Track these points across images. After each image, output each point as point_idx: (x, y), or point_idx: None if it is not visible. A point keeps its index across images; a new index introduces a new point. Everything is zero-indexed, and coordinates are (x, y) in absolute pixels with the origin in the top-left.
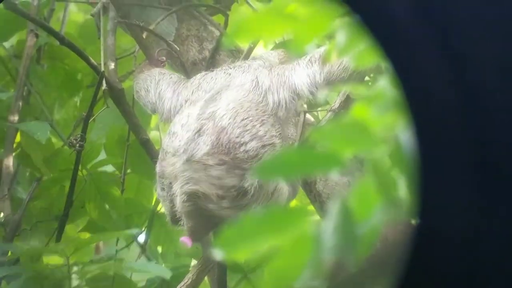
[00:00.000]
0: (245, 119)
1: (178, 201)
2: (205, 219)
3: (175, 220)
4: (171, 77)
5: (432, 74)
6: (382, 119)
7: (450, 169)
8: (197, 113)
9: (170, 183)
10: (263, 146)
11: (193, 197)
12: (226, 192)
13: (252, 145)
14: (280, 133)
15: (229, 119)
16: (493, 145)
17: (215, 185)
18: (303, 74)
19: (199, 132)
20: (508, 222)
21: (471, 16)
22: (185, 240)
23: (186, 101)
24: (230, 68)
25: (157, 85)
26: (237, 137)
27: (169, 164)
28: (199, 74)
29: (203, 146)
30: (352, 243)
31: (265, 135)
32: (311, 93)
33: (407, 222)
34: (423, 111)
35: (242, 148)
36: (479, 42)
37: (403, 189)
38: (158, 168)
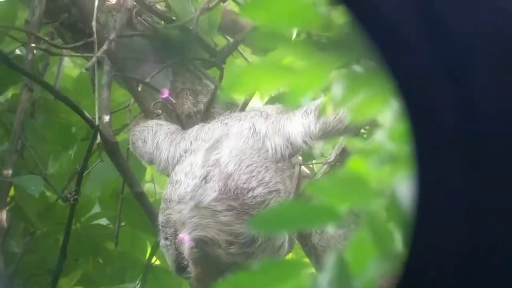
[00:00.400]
0: (250, 165)
1: (186, 247)
2: (212, 266)
3: (180, 269)
4: (169, 128)
5: (430, 77)
6: (379, 173)
7: (447, 171)
8: (201, 161)
9: (176, 231)
10: (270, 192)
11: (201, 243)
12: (235, 239)
13: (259, 191)
14: (283, 180)
15: (235, 165)
16: (492, 146)
17: (224, 231)
18: (297, 124)
19: (205, 178)
20: (508, 223)
21: (470, 18)
22: (184, 237)
23: (185, 152)
24: (227, 119)
25: (154, 136)
26: (244, 183)
27: (176, 211)
28: (196, 126)
29: (211, 192)
30: None
31: (270, 181)
32: (305, 143)
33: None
34: (420, 113)
35: (250, 194)
36: (478, 44)
37: (399, 242)
38: (161, 217)
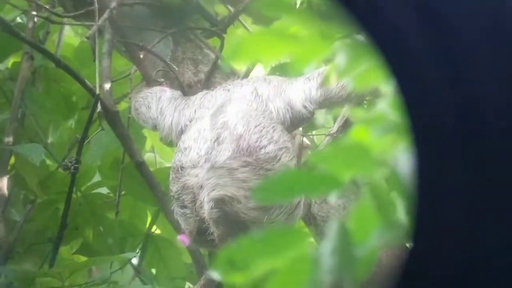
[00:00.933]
0: (258, 125)
1: (206, 209)
2: (233, 225)
3: (202, 233)
4: (173, 94)
5: (429, 75)
6: (382, 142)
7: (446, 171)
8: (209, 125)
9: (194, 195)
10: (280, 148)
11: (220, 203)
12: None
13: (271, 148)
14: (290, 139)
15: (243, 126)
16: (491, 145)
17: (242, 188)
18: (299, 88)
19: (217, 140)
20: (508, 224)
21: (470, 17)
22: (183, 239)
23: (190, 121)
24: (229, 85)
25: (158, 101)
26: (255, 142)
27: (192, 176)
28: (199, 93)
29: (225, 152)
30: (350, 265)
31: (279, 139)
32: (305, 107)
33: (404, 245)
34: (419, 111)
35: (262, 151)
36: (478, 43)
37: (401, 212)
38: (174, 187)
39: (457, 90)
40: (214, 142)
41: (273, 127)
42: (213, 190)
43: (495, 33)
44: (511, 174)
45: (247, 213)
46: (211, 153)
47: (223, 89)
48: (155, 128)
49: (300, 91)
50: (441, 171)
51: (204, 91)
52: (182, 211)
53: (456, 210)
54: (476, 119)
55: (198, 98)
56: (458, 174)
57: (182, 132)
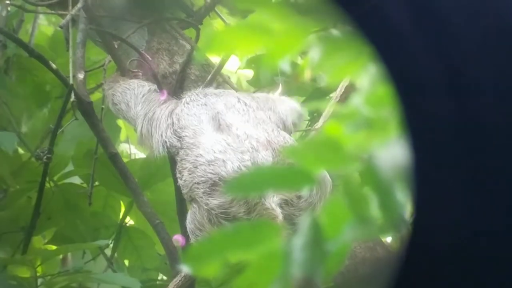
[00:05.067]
0: (272, 130)
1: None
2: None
3: None
4: (149, 90)
5: (426, 80)
6: (355, 137)
7: (445, 177)
8: (231, 137)
9: (248, 206)
10: None
11: (281, 208)
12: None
13: None
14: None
15: (263, 133)
16: (489, 150)
17: None
18: (286, 106)
19: (253, 150)
20: (506, 229)
21: (468, 22)
22: (178, 239)
23: (179, 141)
24: (200, 98)
25: (136, 100)
26: (284, 143)
27: None
28: (163, 106)
29: (268, 158)
30: (321, 259)
31: (292, 140)
32: (295, 125)
33: (377, 240)
34: (416, 116)
35: None
36: (475, 47)
37: (374, 207)
38: (216, 201)
39: (455, 85)
40: (252, 152)
41: (279, 130)
42: (273, 196)
43: (490, 24)
44: (508, 168)
45: (298, 215)
46: (256, 161)
47: (198, 104)
48: (135, 127)
49: (289, 110)
50: (438, 165)
51: (170, 105)
52: (230, 224)
53: (455, 205)
54: (473, 113)
55: (164, 113)
56: (455, 167)
57: (180, 149)
